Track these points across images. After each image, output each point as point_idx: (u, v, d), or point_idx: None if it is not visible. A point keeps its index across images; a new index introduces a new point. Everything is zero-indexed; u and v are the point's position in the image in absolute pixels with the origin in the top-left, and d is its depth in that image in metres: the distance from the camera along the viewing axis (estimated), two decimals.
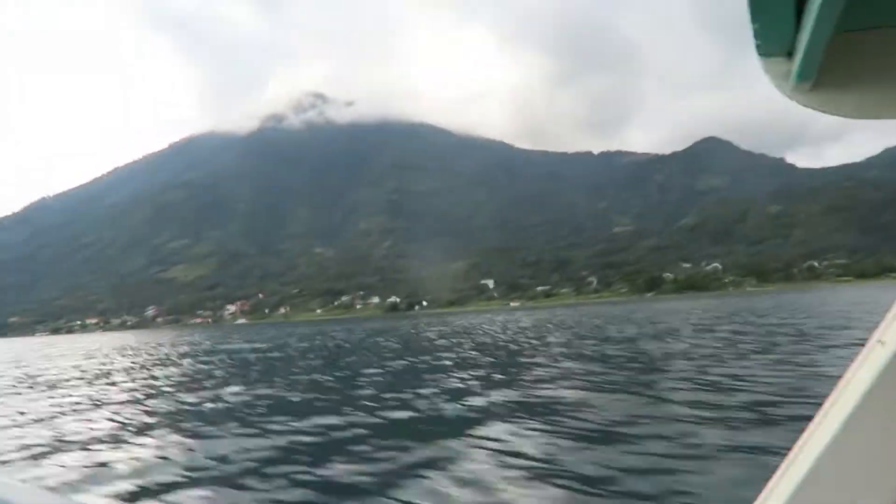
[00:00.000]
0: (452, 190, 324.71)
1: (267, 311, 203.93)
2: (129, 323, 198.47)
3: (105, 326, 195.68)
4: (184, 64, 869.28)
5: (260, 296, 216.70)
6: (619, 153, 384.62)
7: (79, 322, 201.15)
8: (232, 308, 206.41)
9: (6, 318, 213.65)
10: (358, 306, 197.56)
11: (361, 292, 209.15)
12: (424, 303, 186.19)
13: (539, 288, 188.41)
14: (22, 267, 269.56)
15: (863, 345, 0.84)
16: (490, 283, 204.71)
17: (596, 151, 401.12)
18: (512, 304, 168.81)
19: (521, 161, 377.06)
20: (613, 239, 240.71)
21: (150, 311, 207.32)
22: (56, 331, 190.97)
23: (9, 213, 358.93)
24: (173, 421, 7.70)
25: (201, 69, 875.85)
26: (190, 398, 9.93)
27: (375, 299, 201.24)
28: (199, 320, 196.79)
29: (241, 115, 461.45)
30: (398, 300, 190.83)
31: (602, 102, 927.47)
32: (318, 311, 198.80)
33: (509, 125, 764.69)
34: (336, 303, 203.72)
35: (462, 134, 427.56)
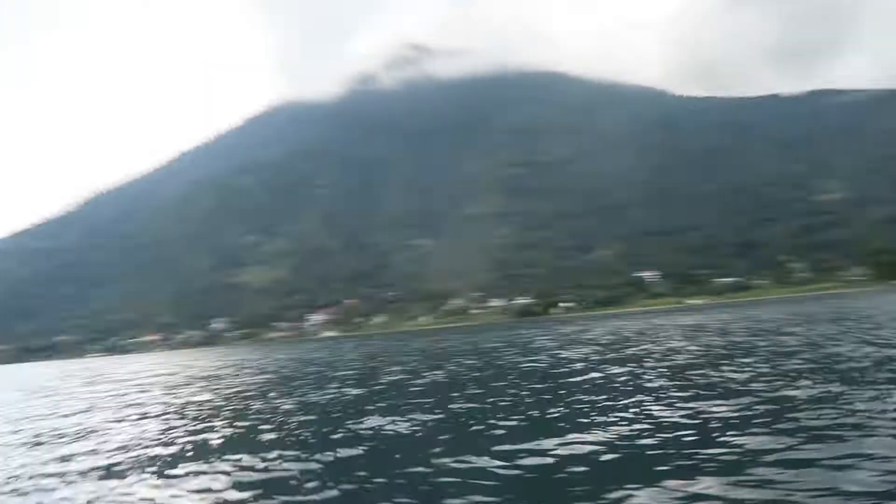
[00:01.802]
0: (592, 156, 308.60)
1: (359, 320, 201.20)
2: (194, 339, 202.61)
3: (166, 344, 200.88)
4: (256, 24, 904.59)
5: (349, 302, 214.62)
6: (823, 93, 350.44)
7: (135, 339, 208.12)
8: (317, 318, 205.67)
9: (54, 336, 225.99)
10: (474, 311, 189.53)
11: (478, 294, 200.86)
12: (566, 304, 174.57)
13: (721, 280, 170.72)
14: (72, 275, 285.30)
15: None
16: (651, 274, 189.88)
17: (788, 93, 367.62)
18: (689, 300, 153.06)
19: (683, 112, 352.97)
20: (818, 210, 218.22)
21: (219, 324, 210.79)
22: (110, 350, 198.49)
23: (58, 213, 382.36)
24: None
25: (276, 28, 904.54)
26: None
27: (497, 301, 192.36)
28: (277, 334, 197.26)
29: (325, 79, 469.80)
30: (530, 301, 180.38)
31: (798, 23, 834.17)
32: (423, 318, 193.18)
33: (668, 67, 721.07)
34: (445, 308, 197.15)
35: (605, 83, 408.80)
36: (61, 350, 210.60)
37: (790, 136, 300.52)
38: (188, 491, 8.44)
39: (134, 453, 11.25)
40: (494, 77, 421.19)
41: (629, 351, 23.97)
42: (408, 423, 11.79)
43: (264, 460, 9.70)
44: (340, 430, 11.62)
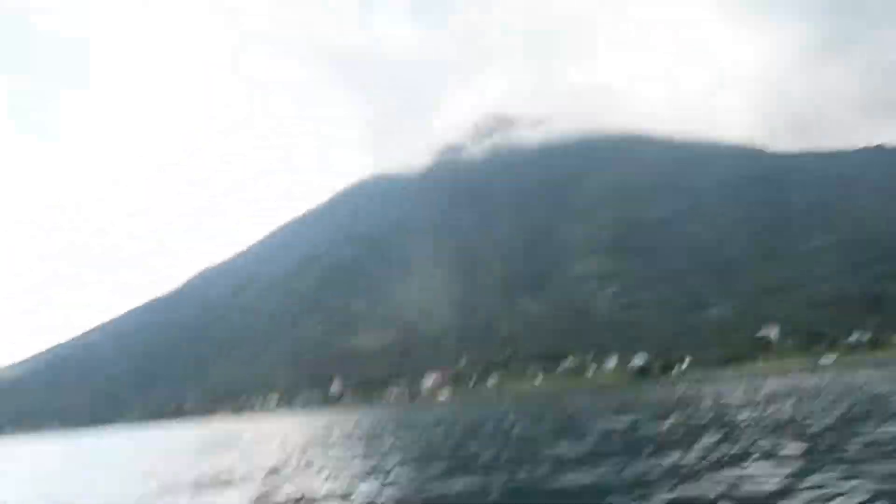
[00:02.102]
0: (690, 214, 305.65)
1: (472, 381, 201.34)
2: (312, 400, 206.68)
3: (286, 404, 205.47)
4: (337, 100, 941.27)
5: (462, 363, 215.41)
6: None
7: (256, 402, 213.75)
8: (430, 379, 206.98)
9: (181, 401, 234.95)
10: (590, 372, 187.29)
11: (592, 353, 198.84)
12: (684, 363, 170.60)
13: (852, 337, 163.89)
14: (194, 345, 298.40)
15: None
16: (772, 332, 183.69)
17: (891, 144, 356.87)
18: (822, 360, 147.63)
19: (780, 167, 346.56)
20: None
21: (335, 387, 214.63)
22: (235, 411, 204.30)
23: (173, 288, 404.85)
24: None
25: (358, 104, 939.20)
26: None
27: (613, 361, 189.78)
28: (392, 396, 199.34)
29: (411, 152, 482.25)
30: (646, 360, 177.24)
31: (886, 74, 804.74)
32: (538, 379, 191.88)
33: (756, 123, 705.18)
34: (560, 368, 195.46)
35: (692, 142, 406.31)
36: (188, 413, 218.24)
37: None
38: None
39: None
40: (579, 141, 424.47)
41: None
42: None
43: None
44: None
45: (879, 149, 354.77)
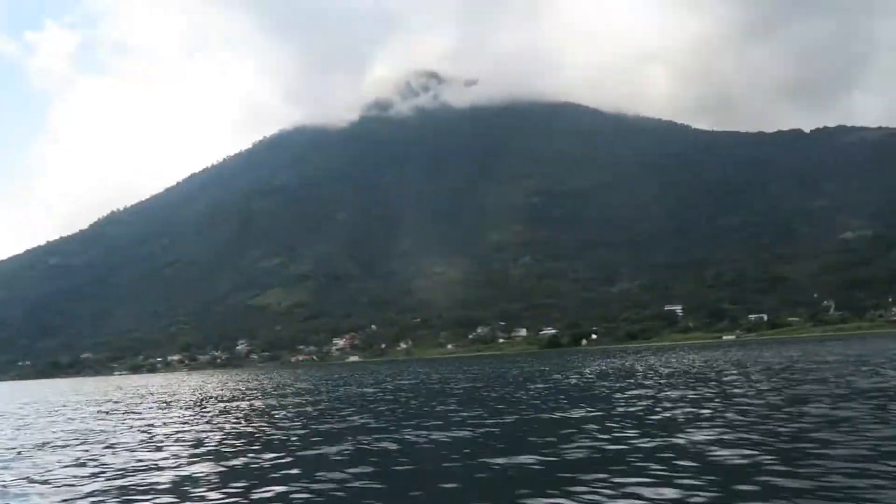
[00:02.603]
0: (611, 187, 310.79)
1: (384, 346, 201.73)
2: (218, 360, 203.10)
3: (191, 364, 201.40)
4: (265, 47, 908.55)
5: (373, 327, 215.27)
6: (843, 129, 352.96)
7: (160, 359, 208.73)
8: (340, 342, 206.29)
9: (79, 353, 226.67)
10: (501, 340, 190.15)
11: (503, 322, 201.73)
12: (594, 335, 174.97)
13: (752, 316, 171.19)
14: (94, 293, 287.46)
15: None
16: (678, 308, 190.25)
17: (808, 129, 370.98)
18: (724, 336, 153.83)
19: (700, 146, 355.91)
20: (845, 248, 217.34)
21: (243, 346, 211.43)
22: (135, 369, 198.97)
23: (76, 230, 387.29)
24: None
25: (286, 51, 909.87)
26: None
27: (523, 331, 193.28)
28: (301, 357, 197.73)
29: (338, 105, 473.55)
30: (557, 332, 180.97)
31: (814, 59, 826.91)
32: (450, 346, 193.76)
33: (682, 100, 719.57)
34: (471, 336, 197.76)
35: (619, 114, 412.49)
36: (87, 367, 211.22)
37: (809, 171, 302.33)
38: None
39: None
40: (507, 106, 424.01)
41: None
42: None
43: None
44: None
45: (795, 133, 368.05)
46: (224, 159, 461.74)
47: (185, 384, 66.11)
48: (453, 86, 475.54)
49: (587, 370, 41.89)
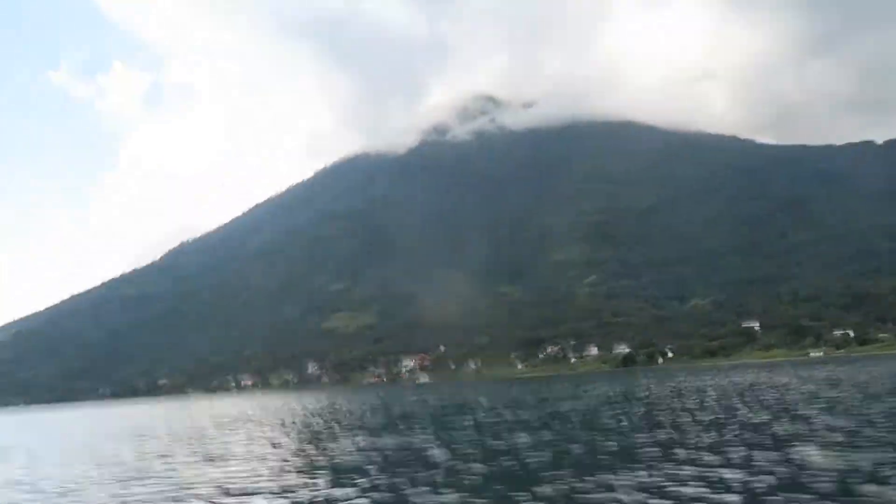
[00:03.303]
0: (675, 204, 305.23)
1: (453, 366, 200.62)
2: (290, 383, 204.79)
3: (263, 386, 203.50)
4: (324, 76, 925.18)
5: (441, 348, 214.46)
6: None
7: (233, 382, 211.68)
8: (409, 363, 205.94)
9: (156, 379, 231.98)
10: (572, 359, 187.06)
11: (573, 342, 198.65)
12: (669, 353, 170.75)
13: (837, 332, 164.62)
14: (167, 322, 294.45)
15: None
16: (755, 325, 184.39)
17: (880, 140, 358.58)
18: (811, 353, 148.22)
19: (765, 160, 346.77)
20: None
21: (313, 368, 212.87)
22: (211, 391, 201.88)
23: (149, 262, 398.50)
24: None
25: (346, 80, 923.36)
26: None
27: (594, 350, 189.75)
28: (372, 379, 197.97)
29: (396, 131, 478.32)
30: (631, 350, 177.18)
31: (877, 72, 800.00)
32: (520, 365, 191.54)
33: (742, 115, 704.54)
34: (541, 355, 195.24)
35: (679, 131, 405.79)
36: (162, 390, 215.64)
37: (883, 183, 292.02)
38: None
39: None
40: (565, 126, 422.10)
41: None
42: None
43: None
44: None
45: (866, 145, 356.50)
46: (288, 188, 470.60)
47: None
48: (510, 109, 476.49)
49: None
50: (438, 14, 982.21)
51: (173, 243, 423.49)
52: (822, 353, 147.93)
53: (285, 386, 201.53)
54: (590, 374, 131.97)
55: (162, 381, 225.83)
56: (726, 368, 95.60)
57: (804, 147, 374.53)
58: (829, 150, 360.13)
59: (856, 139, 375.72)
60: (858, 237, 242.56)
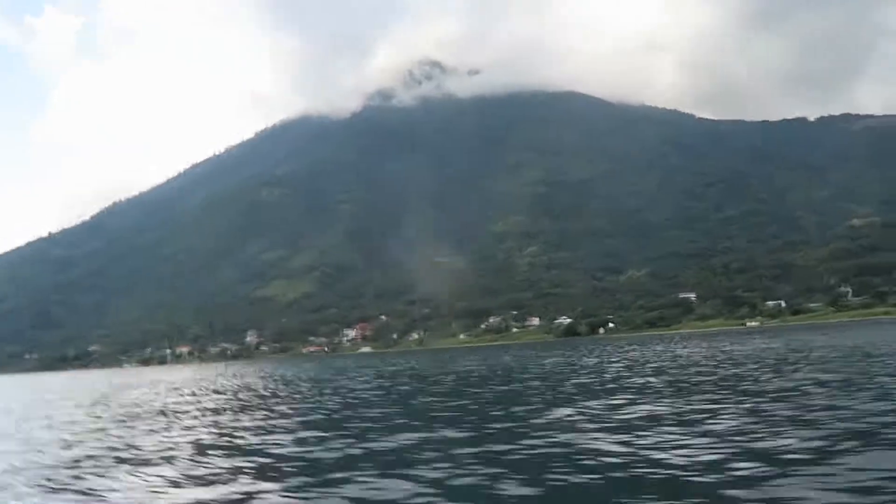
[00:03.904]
0: (614, 176, 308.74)
1: (395, 336, 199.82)
2: (228, 352, 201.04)
3: (201, 356, 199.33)
4: (267, 35, 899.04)
5: (383, 318, 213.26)
6: (848, 117, 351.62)
7: (169, 351, 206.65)
8: (351, 333, 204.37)
9: (86, 345, 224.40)
10: (514, 330, 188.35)
11: (514, 312, 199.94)
12: (611, 324, 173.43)
13: (770, 303, 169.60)
14: (95, 284, 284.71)
15: None
16: (691, 296, 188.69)
17: (812, 117, 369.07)
18: (749, 322, 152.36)
19: (704, 135, 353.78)
20: (853, 235, 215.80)
21: (252, 338, 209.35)
22: (144, 361, 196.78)
23: (77, 221, 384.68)
24: None
25: (291, 39, 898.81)
26: None
27: (535, 320, 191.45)
28: (313, 348, 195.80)
29: (340, 94, 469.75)
30: (573, 321, 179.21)
31: (818, 49, 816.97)
32: (462, 335, 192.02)
33: (685, 89, 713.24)
34: (483, 325, 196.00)
35: (623, 103, 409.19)
36: (95, 360, 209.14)
37: (814, 159, 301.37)
38: None
39: None
40: (511, 95, 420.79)
41: None
42: None
43: None
44: None
45: (800, 121, 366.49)
46: (226, 149, 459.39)
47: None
48: (456, 75, 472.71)
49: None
50: None
51: (105, 202, 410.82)
52: (757, 323, 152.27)
53: (223, 355, 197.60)
54: (538, 344, 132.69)
55: (93, 348, 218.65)
56: (674, 338, 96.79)
57: (741, 122, 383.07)
58: (764, 126, 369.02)
59: (792, 115, 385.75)
60: (787, 211, 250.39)
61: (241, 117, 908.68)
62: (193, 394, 33.56)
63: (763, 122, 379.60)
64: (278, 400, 25.55)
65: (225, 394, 31.87)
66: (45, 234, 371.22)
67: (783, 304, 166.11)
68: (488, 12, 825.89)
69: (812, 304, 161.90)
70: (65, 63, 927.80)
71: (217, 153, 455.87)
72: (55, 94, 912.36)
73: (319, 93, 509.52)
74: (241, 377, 53.24)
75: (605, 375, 26.99)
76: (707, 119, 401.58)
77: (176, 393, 35.32)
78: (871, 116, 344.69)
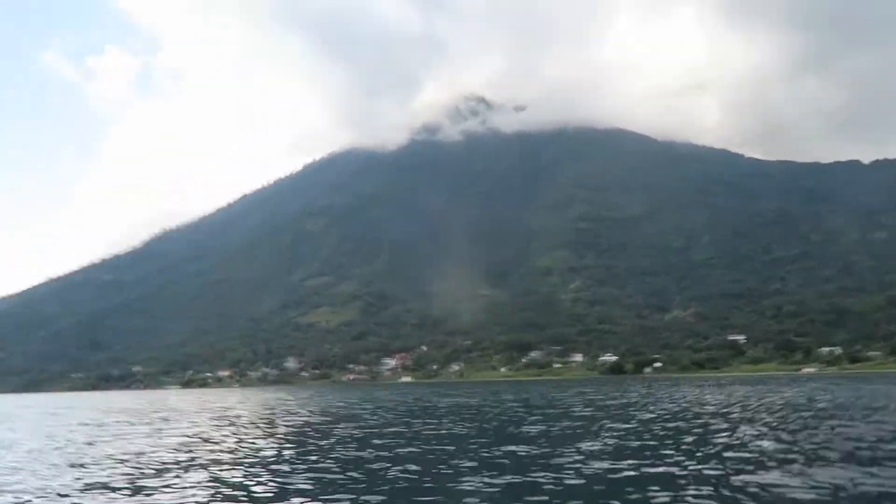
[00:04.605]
0: (660, 214, 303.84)
1: (436, 367, 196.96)
2: (269, 377, 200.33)
3: (241, 380, 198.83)
4: (317, 69, 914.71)
5: (423, 348, 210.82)
6: None
7: (210, 374, 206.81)
8: (391, 363, 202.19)
9: (129, 367, 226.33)
10: (557, 365, 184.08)
11: (557, 347, 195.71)
12: (658, 363, 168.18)
13: (825, 349, 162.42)
14: (144, 309, 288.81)
15: None
16: (741, 338, 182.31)
17: (866, 160, 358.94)
18: (805, 369, 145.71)
19: (752, 174, 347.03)
20: None
21: (292, 364, 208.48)
22: (186, 384, 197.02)
23: (129, 248, 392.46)
24: None
25: (338, 75, 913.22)
26: None
27: (579, 357, 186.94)
28: (353, 376, 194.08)
29: (387, 128, 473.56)
30: (619, 358, 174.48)
31: (868, 91, 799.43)
32: (503, 369, 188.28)
33: (732, 129, 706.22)
34: (525, 360, 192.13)
35: (668, 140, 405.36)
36: (138, 381, 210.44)
37: (867, 203, 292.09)
38: None
39: None
40: (556, 131, 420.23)
41: None
42: None
43: None
44: None
45: (853, 164, 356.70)
46: (275, 181, 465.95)
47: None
48: (502, 111, 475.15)
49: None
50: (434, 11, 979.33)
51: (156, 230, 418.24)
52: (815, 370, 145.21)
53: (264, 380, 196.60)
54: (582, 381, 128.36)
55: (136, 368, 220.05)
56: (731, 381, 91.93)
57: (792, 163, 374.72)
58: (816, 168, 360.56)
59: (843, 158, 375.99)
60: (840, 254, 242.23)
61: (290, 152, 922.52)
62: None
63: (814, 163, 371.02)
64: None
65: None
66: (97, 260, 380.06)
67: (839, 350, 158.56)
68: (534, 50, 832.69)
69: (872, 353, 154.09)
70: (123, 100, 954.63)
71: (265, 185, 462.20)
72: (113, 130, 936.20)
73: (366, 128, 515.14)
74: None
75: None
76: (755, 159, 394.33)
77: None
78: None
